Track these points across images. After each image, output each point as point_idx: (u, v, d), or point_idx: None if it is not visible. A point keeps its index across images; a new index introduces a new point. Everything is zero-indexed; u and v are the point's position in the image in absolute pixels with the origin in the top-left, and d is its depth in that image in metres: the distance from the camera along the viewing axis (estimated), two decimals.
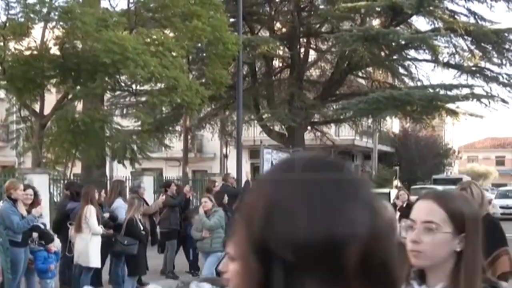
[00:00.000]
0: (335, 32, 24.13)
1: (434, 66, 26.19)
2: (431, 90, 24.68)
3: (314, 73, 28.92)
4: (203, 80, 19.28)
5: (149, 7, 17.76)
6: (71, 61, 15.89)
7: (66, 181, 15.40)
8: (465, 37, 25.25)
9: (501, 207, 32.00)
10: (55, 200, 15.43)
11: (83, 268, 10.06)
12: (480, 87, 25.18)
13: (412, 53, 26.61)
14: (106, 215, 10.65)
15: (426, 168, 40.84)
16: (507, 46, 25.45)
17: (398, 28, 24.75)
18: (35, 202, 9.61)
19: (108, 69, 15.20)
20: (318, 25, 26.56)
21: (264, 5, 26.45)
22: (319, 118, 27.79)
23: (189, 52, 17.95)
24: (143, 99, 20.23)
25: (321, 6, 26.22)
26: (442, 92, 24.46)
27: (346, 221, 0.89)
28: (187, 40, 16.96)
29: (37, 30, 16.52)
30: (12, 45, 16.03)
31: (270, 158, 17.41)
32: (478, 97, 24.11)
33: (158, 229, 12.87)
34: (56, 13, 15.68)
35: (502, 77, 25.84)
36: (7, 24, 15.68)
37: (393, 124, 43.10)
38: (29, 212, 9.28)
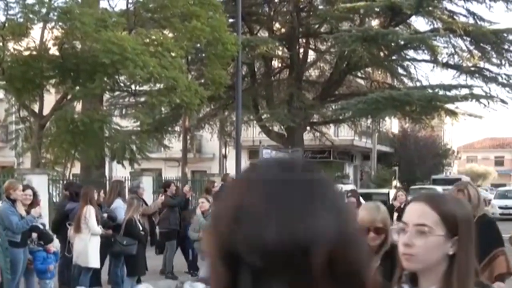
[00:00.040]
0: (334, 33, 24.14)
1: (433, 67, 26.20)
2: (430, 91, 24.69)
3: (313, 73, 28.93)
4: (202, 81, 19.27)
5: (148, 8, 17.76)
6: (70, 62, 15.88)
7: (65, 182, 15.40)
8: (464, 37, 25.26)
9: (500, 208, 32.01)
10: (54, 200, 15.43)
11: (82, 268, 10.05)
12: (479, 88, 25.22)
13: (411, 53, 26.68)
14: (104, 215, 10.65)
15: (425, 168, 40.88)
16: (506, 47, 25.47)
17: (397, 28, 24.76)
18: (34, 202, 9.61)
19: (107, 69, 15.20)
20: (317, 26, 26.58)
21: (263, 5, 26.46)
22: (318, 118, 27.80)
23: (188, 53, 17.95)
24: (142, 99, 20.22)
25: (320, 7, 26.22)
26: (441, 92, 24.48)
27: (312, 224, 0.88)
28: (186, 41, 16.96)
29: (36, 31, 16.51)
30: (11, 45, 16.01)
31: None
32: (477, 98, 24.12)
33: (157, 229, 12.88)
34: (55, 14, 15.67)
35: (501, 77, 25.86)
36: (6, 25, 15.67)
37: (392, 125, 43.12)
38: (28, 212, 9.28)
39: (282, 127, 25.99)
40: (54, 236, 10.10)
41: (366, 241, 0.99)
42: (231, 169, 22.32)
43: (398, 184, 35.76)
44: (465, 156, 75.88)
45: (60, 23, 15.87)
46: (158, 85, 16.73)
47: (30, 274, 9.62)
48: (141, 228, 10.53)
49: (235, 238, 0.88)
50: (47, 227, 10.56)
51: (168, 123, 24.82)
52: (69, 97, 17.17)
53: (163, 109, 20.83)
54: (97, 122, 16.28)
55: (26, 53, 15.88)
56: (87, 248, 9.89)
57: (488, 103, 24.60)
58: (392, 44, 24.02)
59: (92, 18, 15.07)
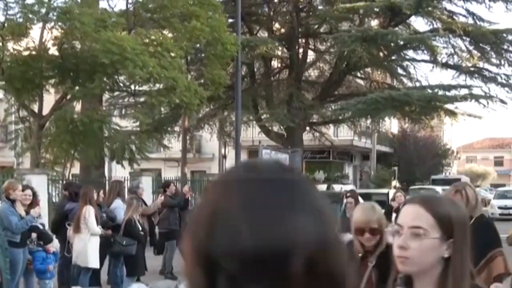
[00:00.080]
0: (333, 33, 24.15)
1: (433, 67, 26.21)
2: (429, 91, 24.71)
3: (312, 73, 28.94)
4: (202, 81, 19.28)
5: (147, 8, 17.76)
6: (69, 62, 15.88)
7: (64, 182, 15.41)
8: (464, 37, 25.28)
9: (500, 208, 32.02)
10: (54, 200, 15.43)
11: (81, 268, 10.05)
12: (479, 88, 25.26)
13: (410, 53, 26.70)
14: (103, 215, 10.65)
15: (425, 168, 40.87)
16: (505, 47, 25.49)
17: (396, 28, 24.78)
18: (34, 202, 9.60)
19: (106, 69, 15.20)
20: (316, 26, 26.59)
21: (262, 5, 26.47)
22: (318, 118, 27.81)
23: (187, 53, 17.96)
24: (142, 99, 20.22)
25: (320, 7, 26.24)
26: (440, 92, 24.50)
27: (290, 228, 0.86)
28: (186, 41, 16.96)
29: (35, 31, 16.52)
30: (10, 45, 16.02)
31: (269, 158, 17.40)
32: (476, 98, 24.14)
33: (157, 230, 12.87)
34: (55, 14, 15.67)
35: (501, 77, 25.89)
36: (6, 25, 15.68)
37: (391, 125, 43.11)
38: (27, 212, 9.28)
39: (281, 127, 26.00)
40: (54, 236, 10.09)
41: (345, 245, 0.96)
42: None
43: (398, 184, 35.75)
44: (464, 156, 75.89)
45: (59, 23, 15.87)
46: (157, 85, 16.73)
47: (30, 274, 9.62)
48: (140, 228, 10.52)
49: (212, 243, 0.87)
50: (47, 227, 10.56)
51: (168, 123, 24.82)
52: (68, 97, 17.17)
53: (162, 109, 20.84)
54: (97, 122, 16.28)
55: (26, 53, 15.89)
56: (87, 248, 9.89)
57: (488, 103, 24.62)
58: (392, 44, 24.04)
59: (91, 18, 15.08)
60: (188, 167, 26.23)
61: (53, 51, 16.34)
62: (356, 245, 3.83)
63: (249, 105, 25.03)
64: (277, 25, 26.86)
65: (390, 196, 17.75)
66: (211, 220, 0.88)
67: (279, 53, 26.59)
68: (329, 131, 32.53)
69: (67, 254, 10.26)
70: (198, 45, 18.11)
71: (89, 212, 9.86)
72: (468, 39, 25.47)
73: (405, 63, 27.69)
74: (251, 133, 31.46)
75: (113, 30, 15.31)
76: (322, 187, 25.99)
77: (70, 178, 17.40)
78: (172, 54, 16.29)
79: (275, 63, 27.83)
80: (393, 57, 26.74)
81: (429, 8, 24.55)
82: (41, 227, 9.73)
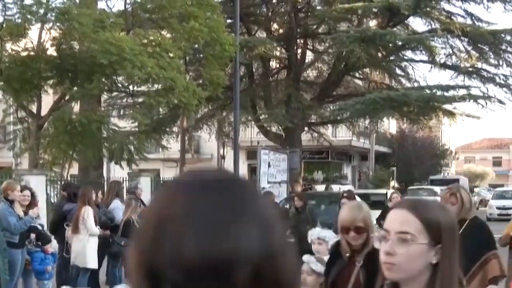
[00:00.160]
0: (332, 33, 24.16)
1: (431, 67, 26.25)
2: (428, 91, 24.72)
3: (311, 74, 28.95)
4: (200, 81, 19.27)
5: (146, 8, 17.75)
6: (68, 62, 15.87)
7: (63, 182, 15.38)
8: (462, 38, 25.30)
9: (498, 208, 32.09)
10: (52, 201, 15.41)
11: (80, 269, 10.05)
12: (477, 88, 25.29)
13: (409, 54, 26.71)
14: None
15: (423, 169, 40.91)
16: (503, 47, 25.51)
17: (395, 29, 24.79)
18: (32, 203, 9.60)
19: (105, 70, 15.19)
20: (315, 26, 26.59)
21: (261, 6, 26.48)
22: (316, 119, 27.82)
23: (186, 53, 17.95)
24: (140, 100, 20.21)
25: (318, 7, 26.25)
26: (439, 93, 24.52)
27: (236, 239, 0.85)
28: (184, 41, 16.95)
29: (34, 31, 16.50)
30: (9, 46, 16.00)
31: (267, 159, 17.41)
32: (475, 98, 24.17)
33: None
34: (53, 14, 15.65)
35: (499, 78, 25.91)
36: (4, 25, 15.66)
37: (390, 125, 43.14)
38: (26, 213, 9.28)
39: (280, 127, 26.00)
40: (52, 237, 10.09)
41: (295, 255, 0.93)
42: (229, 170, 22.27)
43: (396, 185, 35.79)
44: (463, 157, 75.99)
45: (58, 24, 15.85)
46: (156, 85, 16.72)
47: (28, 275, 9.62)
48: None
49: (156, 253, 0.85)
50: (45, 228, 10.55)
51: (166, 124, 24.82)
52: (67, 97, 17.16)
53: (161, 109, 20.83)
54: (95, 122, 16.26)
55: (24, 53, 15.87)
56: (85, 249, 9.88)
57: (486, 103, 24.65)
58: (390, 44, 24.05)
59: (90, 19, 15.07)
60: (186, 168, 26.20)
61: (52, 51, 16.33)
62: (343, 244, 3.84)
63: (248, 106, 25.03)
64: (275, 26, 26.87)
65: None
66: (155, 230, 0.87)
67: (278, 53, 26.59)
68: (328, 131, 32.54)
69: (66, 254, 10.25)
70: (196, 45, 18.10)
71: (87, 213, 9.85)
72: (466, 39, 25.49)
73: (404, 64, 27.70)
74: (249, 134, 31.47)
75: (112, 31, 15.30)
76: (321, 187, 26.04)
77: (69, 178, 17.37)
78: (171, 55, 16.28)
79: (273, 64, 27.83)
80: (392, 58, 26.75)
81: (427, 9, 24.57)
82: (40, 227, 9.73)
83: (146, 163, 20.48)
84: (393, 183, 36.64)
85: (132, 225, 10.30)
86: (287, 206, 14.07)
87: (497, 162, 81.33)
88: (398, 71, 28.04)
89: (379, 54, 25.37)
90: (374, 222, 9.16)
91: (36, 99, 17.15)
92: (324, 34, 25.53)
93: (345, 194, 11.83)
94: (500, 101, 25.16)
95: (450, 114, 26.72)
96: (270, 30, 26.16)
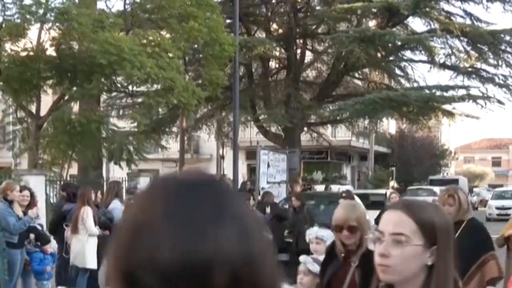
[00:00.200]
0: (331, 33, 24.16)
1: (430, 67, 26.27)
2: (427, 91, 24.74)
3: (310, 74, 28.95)
4: (200, 81, 19.27)
5: (145, 8, 17.75)
6: (67, 62, 15.86)
7: (62, 182, 15.38)
8: (461, 38, 25.31)
9: (497, 208, 32.12)
10: (52, 201, 15.41)
11: (79, 269, 10.04)
12: (476, 88, 25.29)
13: (408, 54, 26.71)
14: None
15: (423, 169, 40.92)
16: (503, 47, 25.52)
17: (394, 29, 24.80)
18: (32, 203, 9.60)
19: (104, 70, 15.18)
20: (314, 26, 26.59)
21: (260, 6, 26.48)
22: (316, 119, 27.82)
23: (185, 53, 17.94)
24: (140, 100, 20.20)
25: (318, 7, 26.25)
26: (438, 93, 24.53)
27: (212, 242, 0.84)
28: (184, 41, 16.95)
29: (33, 31, 16.50)
30: (8, 46, 16.00)
31: (267, 159, 17.40)
32: (474, 98, 24.17)
33: None
34: (52, 14, 15.65)
35: (498, 78, 25.92)
36: (3, 25, 15.66)
37: (389, 125, 43.15)
38: (25, 213, 9.27)
39: (279, 127, 26.00)
40: (51, 237, 10.09)
41: (275, 259, 0.92)
42: (228, 170, 22.31)
43: (396, 185, 35.79)
44: (462, 157, 76.01)
45: (57, 24, 15.85)
46: (155, 85, 16.72)
47: (28, 275, 9.62)
48: None
49: (132, 257, 0.84)
50: (44, 228, 10.55)
51: (166, 124, 24.83)
52: (66, 97, 17.16)
53: (160, 110, 20.83)
54: (94, 123, 16.26)
55: (23, 53, 15.87)
56: (85, 249, 9.88)
57: (485, 103, 24.66)
58: (389, 44, 24.06)
59: (89, 19, 15.06)
60: (186, 168, 26.19)
61: (51, 51, 16.32)
62: (337, 243, 3.85)
63: (247, 106, 25.03)
64: (274, 26, 26.87)
65: None
66: (132, 234, 0.86)
67: (277, 53, 26.59)
68: (327, 131, 32.56)
69: (65, 255, 10.25)
70: (195, 45, 18.09)
71: (87, 213, 9.85)
72: (465, 39, 25.50)
73: (403, 64, 27.71)
74: (249, 134, 31.47)
75: (111, 31, 15.29)
76: (320, 187, 26.04)
77: (68, 179, 17.37)
78: (170, 55, 16.28)
79: (273, 64, 27.83)
80: (391, 58, 26.76)
81: (427, 9, 24.58)
82: (39, 228, 9.73)
83: (146, 163, 20.49)
84: (393, 183, 36.65)
85: None
86: (286, 206, 14.08)
87: (496, 162, 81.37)
88: (398, 71, 28.05)
89: (379, 54, 25.37)
90: (373, 222, 9.18)
91: (36, 99, 17.14)
92: (323, 34, 25.54)
93: (343, 194, 11.84)
94: (500, 101, 25.17)
95: (450, 114, 26.73)
96: (270, 30, 26.16)
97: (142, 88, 17.87)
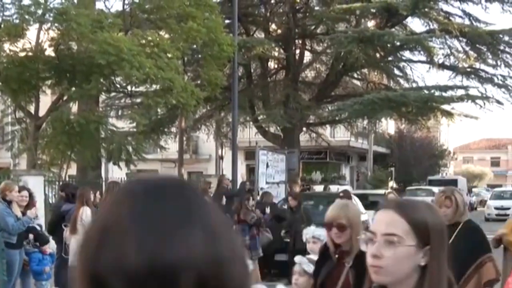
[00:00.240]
0: (330, 34, 24.16)
1: (429, 68, 26.27)
2: (426, 91, 24.74)
3: (309, 74, 28.95)
4: (199, 82, 19.26)
5: (144, 9, 17.74)
6: (66, 63, 15.86)
7: (61, 183, 15.38)
8: (460, 38, 25.31)
9: (496, 208, 32.15)
10: (50, 201, 15.40)
11: None
12: (475, 88, 25.28)
13: (407, 54, 26.71)
14: None
15: (422, 169, 40.94)
16: (502, 48, 25.53)
17: (393, 29, 24.80)
18: (30, 203, 9.60)
19: (103, 70, 15.18)
20: (313, 27, 26.59)
21: (259, 6, 26.47)
22: (315, 119, 27.82)
23: (184, 54, 17.94)
24: (138, 100, 20.21)
25: (316, 8, 26.25)
26: (437, 93, 24.53)
27: (179, 247, 0.83)
28: (182, 42, 16.95)
29: (32, 32, 16.49)
30: (7, 46, 15.99)
31: (266, 159, 17.40)
32: (473, 98, 24.17)
33: None
34: (51, 15, 15.64)
35: (497, 78, 25.93)
36: (2, 26, 15.65)
37: (388, 125, 43.17)
38: (24, 213, 9.27)
39: (278, 128, 26.00)
40: (50, 238, 10.08)
41: (244, 264, 0.91)
42: (227, 170, 22.31)
43: (395, 185, 35.80)
44: (461, 157, 76.05)
45: (56, 24, 15.84)
46: (154, 86, 16.72)
47: (26, 276, 9.61)
48: None
49: (99, 261, 0.84)
50: (43, 228, 10.55)
51: (164, 124, 24.81)
52: (65, 98, 17.15)
53: (159, 110, 20.81)
54: (93, 123, 16.25)
55: (22, 54, 15.86)
56: None
57: (484, 104, 24.66)
58: (388, 45, 24.06)
59: (88, 19, 15.06)
60: (185, 168, 26.24)
61: (50, 52, 16.31)
62: (328, 241, 3.85)
63: (246, 106, 25.01)
64: (273, 26, 26.87)
65: None
66: (99, 238, 0.85)
67: (276, 54, 26.58)
68: (326, 132, 32.56)
69: (65, 255, 10.24)
70: (194, 46, 18.09)
71: (86, 213, 9.84)
72: (464, 40, 25.50)
73: (402, 64, 27.71)
74: (248, 134, 31.47)
75: (110, 31, 15.28)
76: (319, 188, 26.04)
77: (67, 179, 17.37)
78: (169, 55, 16.28)
79: (271, 64, 27.82)
80: (390, 58, 26.76)
81: (426, 9, 24.58)
82: (38, 228, 9.72)
83: (144, 163, 20.48)
84: (392, 183, 36.65)
85: None
86: (285, 207, 14.08)
87: (495, 163, 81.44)
88: (396, 72, 28.05)
89: (377, 55, 25.37)
90: (372, 222, 9.19)
91: (34, 99, 17.14)
92: (322, 35, 25.55)
93: (341, 194, 11.83)
94: (498, 102, 25.19)
95: (448, 114, 26.73)
96: (268, 30, 26.16)
97: (141, 89, 17.87)
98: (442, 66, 26.24)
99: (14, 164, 24.12)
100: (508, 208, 29.59)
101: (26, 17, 15.51)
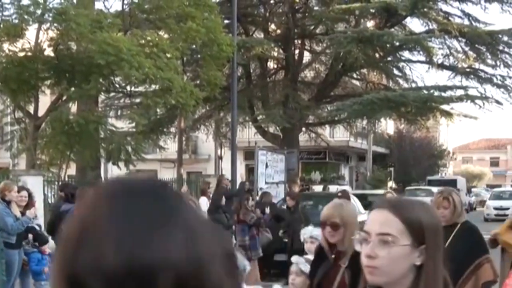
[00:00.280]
0: (329, 34, 24.18)
1: (428, 68, 26.28)
2: (425, 92, 24.75)
3: (308, 74, 28.96)
4: (198, 82, 19.27)
5: (143, 9, 17.75)
6: (65, 63, 15.86)
7: (60, 183, 15.38)
8: (459, 38, 25.32)
9: (495, 208, 32.16)
10: (50, 201, 15.40)
11: None
12: (474, 89, 25.30)
13: (406, 54, 26.72)
14: None
15: (421, 169, 40.97)
16: (501, 48, 25.54)
17: (392, 29, 24.80)
18: (29, 203, 9.60)
19: (102, 70, 15.18)
20: (312, 27, 26.60)
21: (258, 6, 26.47)
22: (314, 119, 27.82)
23: (183, 54, 17.94)
24: (138, 100, 20.21)
25: (316, 8, 26.25)
26: (436, 93, 24.54)
27: (158, 248, 0.82)
28: (182, 42, 16.95)
29: (31, 32, 16.49)
30: (6, 46, 15.99)
31: (265, 159, 17.41)
32: (472, 98, 24.19)
33: None
34: (50, 15, 15.64)
35: (496, 78, 25.94)
36: (1, 26, 15.64)
37: (387, 126, 43.20)
38: (23, 213, 9.27)
39: (277, 128, 26.00)
40: (49, 238, 10.08)
41: (224, 267, 0.90)
42: (226, 170, 22.31)
43: (394, 185, 35.81)
44: (460, 157, 76.09)
45: (55, 24, 15.84)
46: (153, 86, 16.72)
47: (26, 276, 9.61)
48: None
49: (77, 261, 0.83)
50: (43, 228, 10.55)
51: (164, 124, 24.80)
52: (64, 98, 17.15)
53: (158, 110, 20.81)
54: (93, 123, 16.25)
55: (21, 54, 15.85)
56: None
57: (483, 104, 24.67)
58: (387, 45, 24.06)
59: (87, 19, 15.06)
60: (184, 168, 26.25)
61: (49, 52, 16.31)
62: (322, 240, 3.85)
63: (245, 106, 25.02)
64: (273, 26, 26.87)
65: None
66: (77, 238, 0.85)
67: (275, 54, 26.59)
68: (325, 132, 32.57)
69: None
70: (194, 46, 18.09)
71: None
72: (463, 40, 25.51)
73: (401, 64, 27.71)
74: (247, 134, 31.49)
75: (109, 31, 15.28)
76: (318, 188, 26.05)
77: (66, 179, 17.37)
78: (168, 55, 16.28)
79: (271, 64, 27.83)
80: (389, 58, 26.76)
81: (425, 9, 24.59)
82: (37, 228, 9.72)
83: (144, 163, 20.47)
84: (391, 183, 36.66)
85: None
86: (284, 207, 14.09)
87: (494, 163, 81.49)
88: (396, 72, 28.04)
89: (377, 55, 25.38)
90: None
91: (34, 99, 17.13)
92: (321, 35, 25.55)
93: (339, 194, 11.84)
94: (498, 102, 25.20)
95: (448, 114, 26.74)
96: (268, 30, 26.16)
97: (140, 89, 17.87)
98: (441, 66, 26.25)
99: (13, 164, 24.14)
100: (507, 208, 29.59)
101: (25, 17, 15.52)
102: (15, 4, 15.64)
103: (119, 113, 24.53)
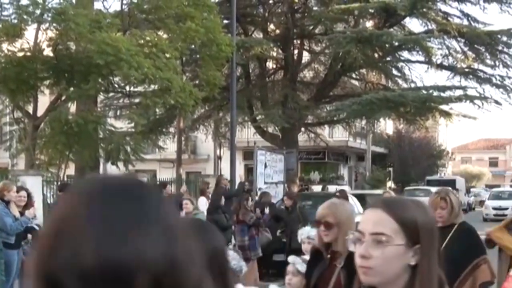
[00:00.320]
0: (328, 34, 24.17)
1: (428, 68, 26.27)
2: (424, 92, 24.76)
3: (307, 74, 28.96)
4: (197, 82, 19.27)
5: (142, 9, 17.74)
6: (64, 63, 15.86)
7: (59, 183, 15.38)
8: (458, 38, 25.33)
9: (494, 208, 32.18)
10: (49, 201, 15.41)
11: None
12: (473, 89, 25.31)
13: (405, 54, 26.73)
14: None
15: (420, 169, 40.98)
16: (500, 48, 25.55)
17: (391, 29, 24.80)
18: (29, 204, 9.60)
19: (101, 70, 15.17)
20: (311, 27, 26.60)
21: (257, 6, 26.47)
22: (313, 119, 27.82)
23: (182, 54, 17.94)
24: (137, 100, 20.21)
25: (315, 8, 26.25)
26: (435, 93, 24.55)
27: (135, 247, 0.83)
28: (181, 42, 16.95)
29: (30, 32, 16.49)
30: (5, 46, 15.98)
31: (264, 159, 17.41)
32: (471, 99, 24.19)
33: None
34: (49, 15, 15.64)
35: (495, 78, 25.94)
36: (0, 26, 15.64)
37: (386, 126, 43.20)
38: (22, 214, 9.27)
39: (276, 128, 25.99)
40: None
41: (202, 266, 0.91)
42: (225, 171, 22.32)
43: (393, 185, 35.83)
44: (459, 157, 76.14)
45: (54, 24, 15.84)
46: (152, 86, 16.71)
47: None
48: None
49: (53, 260, 0.83)
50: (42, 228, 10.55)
51: (163, 124, 24.80)
52: (63, 98, 17.15)
53: (157, 110, 20.81)
54: (92, 123, 16.25)
55: (20, 54, 15.85)
56: None
57: (482, 104, 24.67)
58: (387, 45, 24.07)
59: (86, 19, 15.05)
60: (183, 168, 26.22)
61: (48, 52, 16.31)
62: (317, 240, 3.86)
63: (244, 106, 25.02)
64: (272, 26, 26.87)
65: None
66: (54, 237, 0.85)
67: (274, 54, 26.60)
68: (324, 132, 32.57)
69: None
70: (193, 46, 18.09)
71: None
72: (462, 40, 25.52)
73: (400, 64, 27.72)
74: (246, 134, 31.48)
75: (108, 31, 15.28)
76: (317, 188, 26.06)
77: (65, 179, 17.37)
78: (167, 55, 16.28)
79: (270, 64, 27.83)
80: (388, 58, 26.77)
81: (424, 9, 24.59)
82: (36, 228, 9.72)
83: (143, 163, 20.47)
84: (390, 183, 36.68)
85: None
86: (283, 207, 14.09)
87: (493, 163, 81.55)
88: (395, 72, 28.05)
89: (376, 55, 25.38)
90: None
91: (33, 99, 17.13)
92: (320, 35, 25.54)
93: (337, 194, 11.84)
94: (497, 102, 25.19)
95: (447, 114, 26.74)
96: (267, 30, 26.16)
97: (139, 89, 17.87)
98: (440, 67, 26.26)
99: (12, 164, 24.10)
100: (506, 208, 29.65)
101: (24, 17, 15.51)
102: (14, 4, 15.63)
103: (118, 113, 24.53)
